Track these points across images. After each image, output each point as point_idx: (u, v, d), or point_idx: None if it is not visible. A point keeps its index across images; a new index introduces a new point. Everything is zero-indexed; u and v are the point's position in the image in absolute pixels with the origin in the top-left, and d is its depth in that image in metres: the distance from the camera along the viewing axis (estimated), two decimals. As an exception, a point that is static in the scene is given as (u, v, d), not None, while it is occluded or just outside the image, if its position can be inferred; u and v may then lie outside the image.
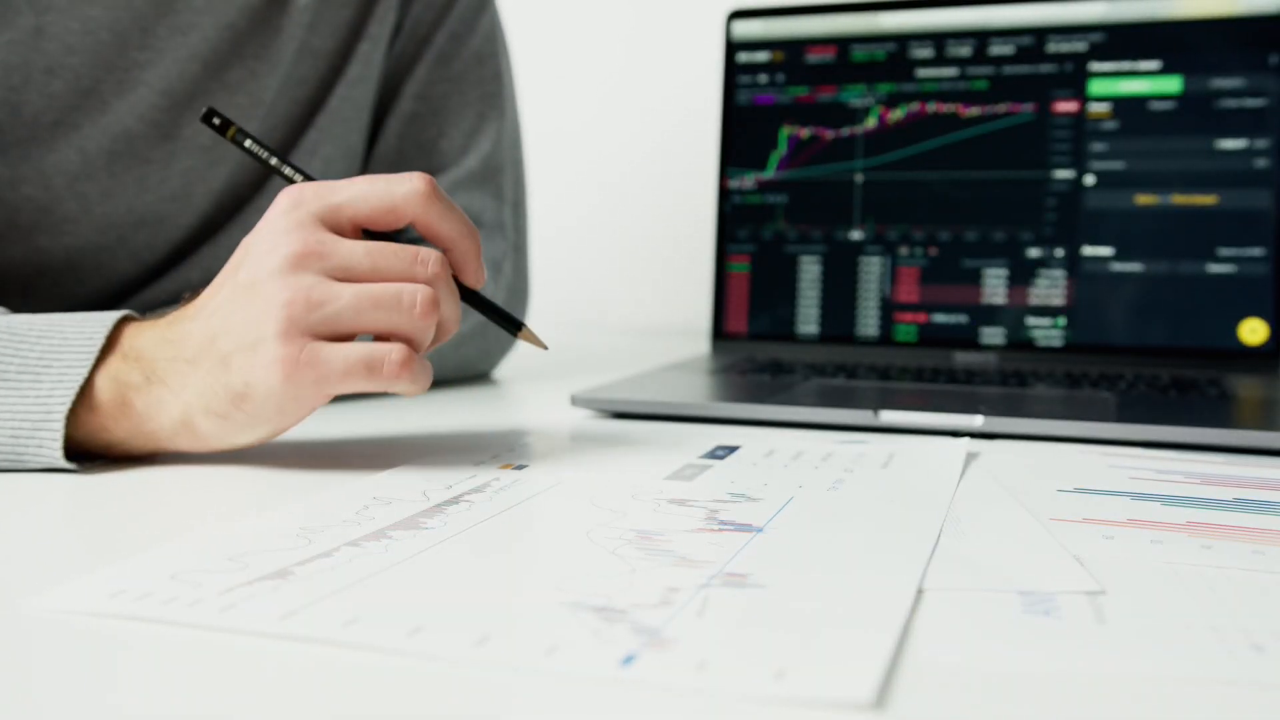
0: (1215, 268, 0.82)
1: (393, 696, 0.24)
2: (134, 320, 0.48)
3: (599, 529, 0.37)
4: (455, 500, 0.41)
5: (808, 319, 0.91)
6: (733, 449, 0.52)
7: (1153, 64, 0.85)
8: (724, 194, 0.95)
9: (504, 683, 0.25)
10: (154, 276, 0.72)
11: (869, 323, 0.90)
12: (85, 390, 0.45)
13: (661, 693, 0.24)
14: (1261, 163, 0.82)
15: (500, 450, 0.51)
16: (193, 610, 0.29)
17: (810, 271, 0.91)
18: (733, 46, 0.95)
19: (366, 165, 0.81)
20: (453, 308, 0.47)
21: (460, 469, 0.47)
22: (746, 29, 0.95)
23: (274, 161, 0.51)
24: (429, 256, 0.46)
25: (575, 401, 0.64)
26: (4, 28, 0.60)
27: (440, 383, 0.77)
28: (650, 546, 0.35)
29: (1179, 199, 0.83)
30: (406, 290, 0.45)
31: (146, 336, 0.47)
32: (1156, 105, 0.84)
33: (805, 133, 0.93)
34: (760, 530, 0.37)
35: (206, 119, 0.51)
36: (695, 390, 0.70)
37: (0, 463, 0.46)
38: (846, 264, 0.91)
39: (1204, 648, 0.27)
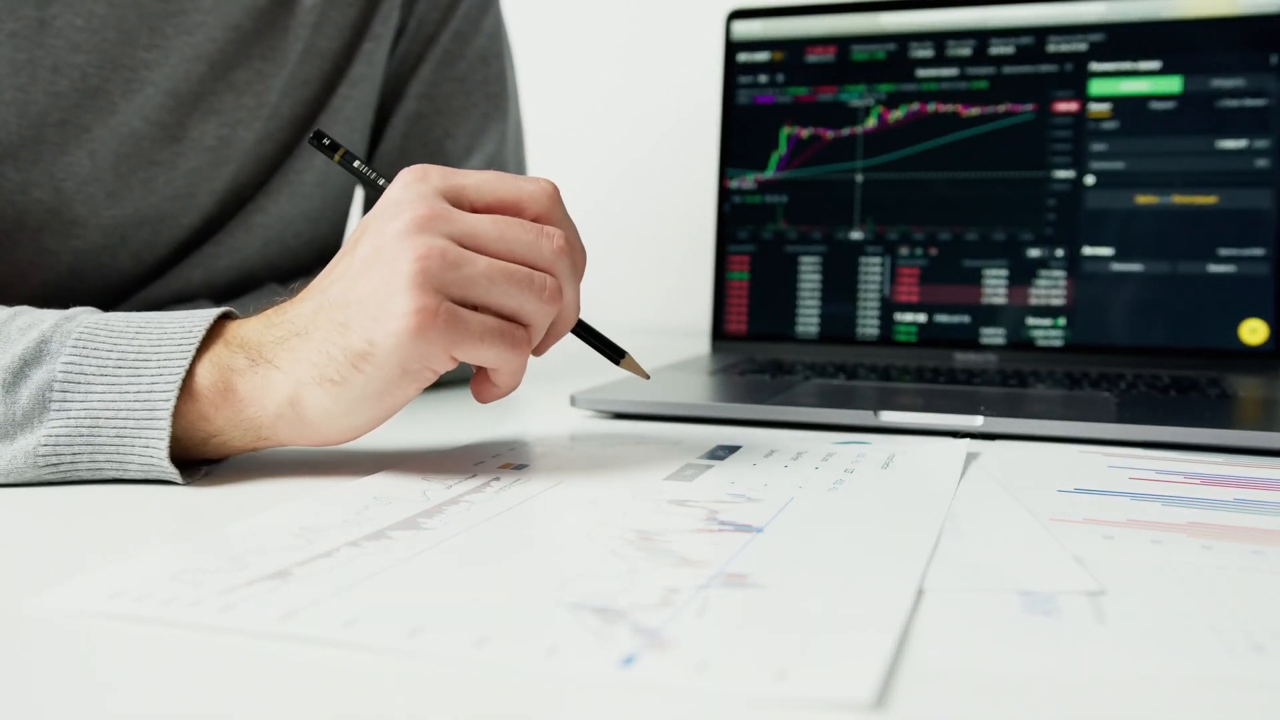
0: (1215, 268, 0.82)
1: (392, 697, 0.24)
2: (235, 316, 0.47)
3: (599, 529, 0.37)
4: (455, 500, 0.41)
5: (808, 319, 0.91)
6: (733, 449, 0.52)
7: (1153, 64, 0.85)
8: (724, 194, 0.95)
9: (504, 683, 0.25)
10: (154, 276, 0.72)
11: (869, 323, 0.90)
12: (186, 380, 0.43)
13: (662, 693, 0.24)
14: (1261, 163, 0.82)
15: (500, 450, 0.51)
16: (193, 610, 0.29)
17: (810, 272, 0.91)
18: (733, 46, 0.95)
19: (375, 165, 0.81)
20: (574, 292, 0.46)
21: (460, 469, 0.47)
22: (746, 29, 0.95)
23: (382, 183, 0.50)
24: (553, 231, 0.45)
25: (575, 402, 0.64)
26: (6, 18, 0.60)
27: (441, 383, 0.77)
28: (650, 547, 0.35)
29: (1179, 199, 0.83)
30: (538, 274, 0.44)
31: (251, 325, 0.45)
32: (1156, 105, 0.84)
33: (805, 133, 0.93)
34: (760, 531, 0.37)
35: (315, 140, 0.51)
36: (695, 390, 0.69)
37: (104, 467, 0.43)
38: (846, 264, 0.91)
39: (1204, 648, 0.27)
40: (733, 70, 0.95)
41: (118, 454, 0.43)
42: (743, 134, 0.95)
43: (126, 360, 0.44)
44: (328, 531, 0.36)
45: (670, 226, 1.34)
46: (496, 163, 0.81)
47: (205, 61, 0.67)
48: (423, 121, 0.80)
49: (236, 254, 0.73)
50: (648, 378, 0.53)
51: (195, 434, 0.44)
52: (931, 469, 0.48)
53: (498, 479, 0.45)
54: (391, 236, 0.42)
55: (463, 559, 0.34)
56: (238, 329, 0.45)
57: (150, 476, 0.44)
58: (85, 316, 0.46)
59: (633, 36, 1.36)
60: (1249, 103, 0.82)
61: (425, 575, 0.32)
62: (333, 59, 0.74)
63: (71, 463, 0.43)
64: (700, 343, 1.01)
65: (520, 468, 0.47)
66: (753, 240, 0.93)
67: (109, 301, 0.71)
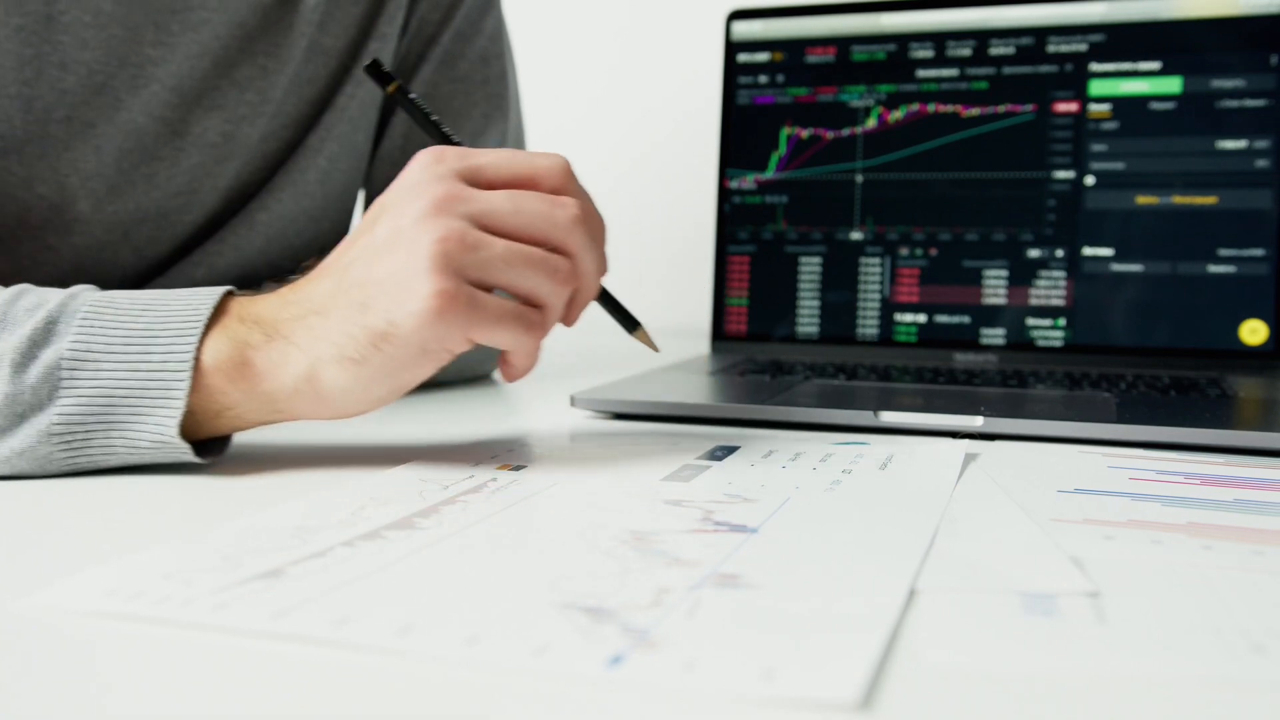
0: (1215, 268, 0.82)
1: (382, 696, 0.24)
2: (239, 295, 0.47)
3: (594, 529, 0.37)
4: (452, 501, 0.41)
5: (808, 319, 0.91)
6: (732, 449, 0.52)
7: (1153, 64, 0.85)
8: (724, 194, 0.94)
9: (492, 683, 0.25)
10: (156, 272, 0.72)
11: (869, 323, 0.90)
12: (199, 355, 0.44)
13: (649, 693, 0.24)
14: (1262, 163, 0.82)
15: (499, 450, 0.51)
16: (184, 610, 0.28)
17: (810, 272, 0.91)
18: (733, 47, 0.95)
19: (372, 164, 0.81)
20: (593, 259, 0.47)
21: (458, 469, 0.47)
22: (746, 29, 0.95)
23: (435, 118, 0.53)
24: (568, 201, 0.46)
25: (575, 402, 0.64)
26: (14, 11, 0.60)
27: (440, 383, 0.77)
28: (644, 547, 0.35)
29: (1179, 199, 0.83)
30: (554, 256, 0.45)
31: (265, 302, 0.45)
32: (1156, 105, 0.84)
33: (805, 133, 0.92)
34: (755, 531, 0.37)
35: (372, 69, 0.53)
36: (695, 391, 0.69)
37: (116, 445, 0.43)
38: (846, 264, 0.90)
39: (1204, 648, 0.27)
40: (733, 70, 0.95)
41: (132, 429, 0.43)
42: (743, 134, 0.94)
43: (134, 337, 0.44)
44: (322, 531, 0.36)
45: (670, 226, 1.34)
46: None
47: (210, 58, 0.67)
48: None
49: (239, 251, 0.73)
50: (657, 350, 0.55)
51: (210, 406, 0.44)
52: (929, 470, 0.47)
53: (495, 479, 0.45)
54: (411, 218, 0.43)
55: (456, 559, 0.34)
56: (251, 305, 0.45)
57: (160, 458, 0.44)
58: (88, 294, 0.46)
59: (633, 37, 1.36)
60: (1249, 103, 0.82)
61: (418, 575, 0.32)
62: (338, 57, 0.74)
63: (85, 440, 0.44)
64: (700, 343, 1.01)
65: (519, 468, 0.47)
66: (753, 240, 0.93)
67: None
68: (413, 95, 0.52)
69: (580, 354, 0.97)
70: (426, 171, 0.45)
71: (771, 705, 0.23)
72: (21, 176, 0.63)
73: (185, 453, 0.44)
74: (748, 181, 0.94)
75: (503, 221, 0.44)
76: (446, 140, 0.52)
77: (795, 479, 0.45)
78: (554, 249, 0.46)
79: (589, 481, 0.45)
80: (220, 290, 0.46)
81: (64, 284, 0.68)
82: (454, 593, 0.30)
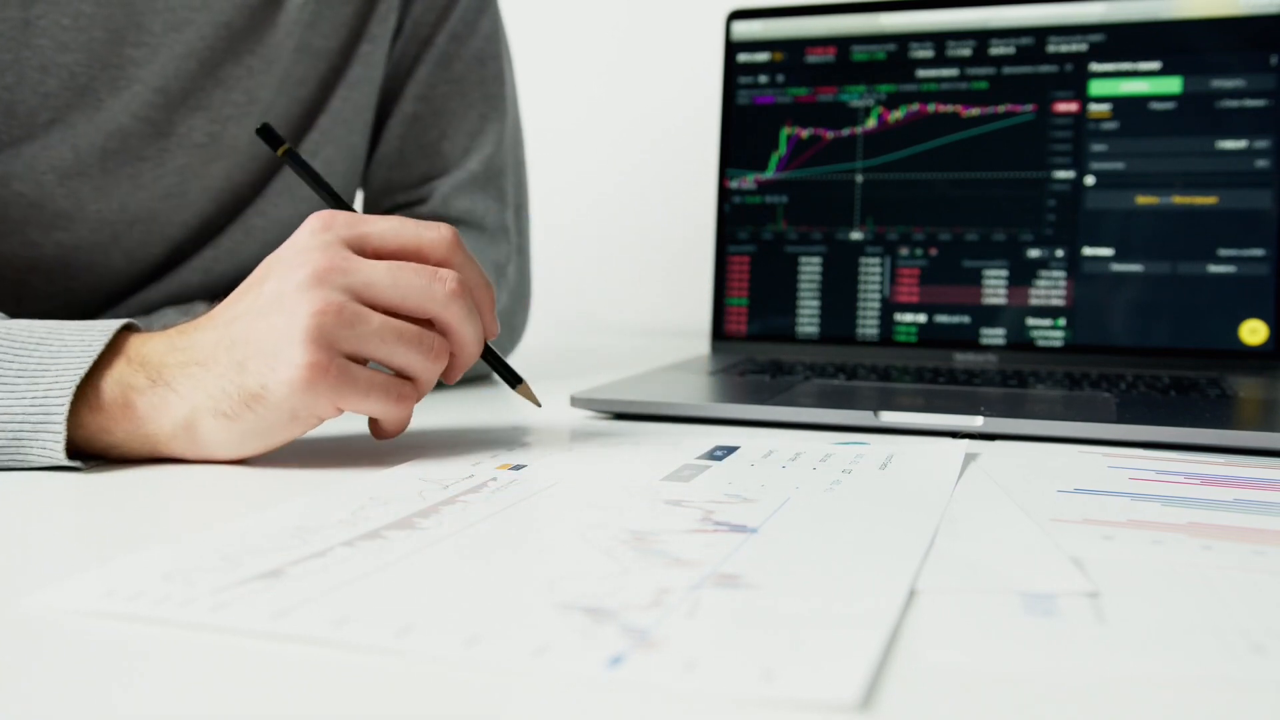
0: (1215, 268, 0.82)
1: (382, 696, 0.24)
2: (137, 330, 0.49)
3: (594, 529, 0.37)
4: (452, 500, 0.41)
5: (808, 319, 0.91)
6: (732, 450, 0.52)
7: (1153, 64, 0.85)
8: (724, 194, 0.94)
9: (492, 683, 0.25)
10: (151, 278, 0.72)
11: (869, 323, 0.89)
12: (89, 392, 0.46)
13: (648, 694, 0.24)
14: (1262, 163, 0.82)
15: (499, 450, 0.51)
16: (184, 610, 0.28)
17: (810, 272, 0.91)
18: (733, 47, 0.95)
19: (368, 167, 0.81)
20: (473, 329, 0.48)
21: (458, 469, 0.47)
22: (746, 29, 0.95)
23: (324, 180, 0.54)
24: (447, 275, 0.47)
25: (575, 402, 0.64)
26: None
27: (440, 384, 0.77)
28: (644, 547, 0.35)
29: (1179, 199, 0.83)
30: (428, 334, 0.47)
31: (154, 344, 0.47)
32: (1156, 105, 0.84)
33: (805, 133, 0.92)
34: (755, 531, 0.37)
35: (261, 133, 0.54)
36: (695, 391, 0.69)
37: (3, 461, 0.46)
38: (846, 264, 0.90)
39: (1204, 648, 0.27)
40: (733, 70, 0.95)
41: (18, 454, 0.46)
42: (743, 134, 0.94)
43: (27, 371, 0.46)
44: (322, 531, 0.36)
45: (670, 227, 1.34)
46: (494, 164, 0.81)
47: (195, 59, 0.67)
48: (419, 123, 0.79)
49: (235, 257, 0.73)
50: (539, 405, 0.57)
51: (96, 443, 0.47)
52: (929, 470, 0.47)
53: (495, 479, 0.45)
54: (294, 285, 0.45)
55: (456, 559, 0.34)
56: (140, 346, 0.47)
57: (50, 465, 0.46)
58: None
59: (632, 37, 1.36)
60: (1249, 103, 0.82)
61: (417, 575, 0.32)
62: (328, 59, 0.74)
63: None
64: (700, 343, 1.01)
65: (519, 468, 0.47)
66: (753, 240, 0.93)
67: (106, 302, 0.71)
68: (302, 158, 0.54)
69: (580, 354, 0.97)
70: (314, 238, 0.46)
71: (771, 705, 0.23)
72: (0, 173, 0.63)
73: (75, 465, 0.46)
74: (748, 181, 0.94)
75: (381, 294, 0.46)
76: (338, 203, 0.54)
77: (795, 479, 0.45)
78: (431, 321, 0.47)
79: (589, 481, 0.45)
80: (113, 328, 0.47)
81: (55, 284, 0.68)
82: (454, 593, 0.30)
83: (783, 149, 0.93)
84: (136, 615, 0.28)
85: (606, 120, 1.38)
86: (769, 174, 0.93)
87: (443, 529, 0.37)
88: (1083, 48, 0.86)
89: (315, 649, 0.26)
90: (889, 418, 0.59)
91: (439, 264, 0.48)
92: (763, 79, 0.94)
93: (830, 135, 0.92)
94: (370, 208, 0.84)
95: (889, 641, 0.27)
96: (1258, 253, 0.81)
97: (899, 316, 0.89)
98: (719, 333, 0.94)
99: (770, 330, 0.92)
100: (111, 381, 0.46)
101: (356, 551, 0.34)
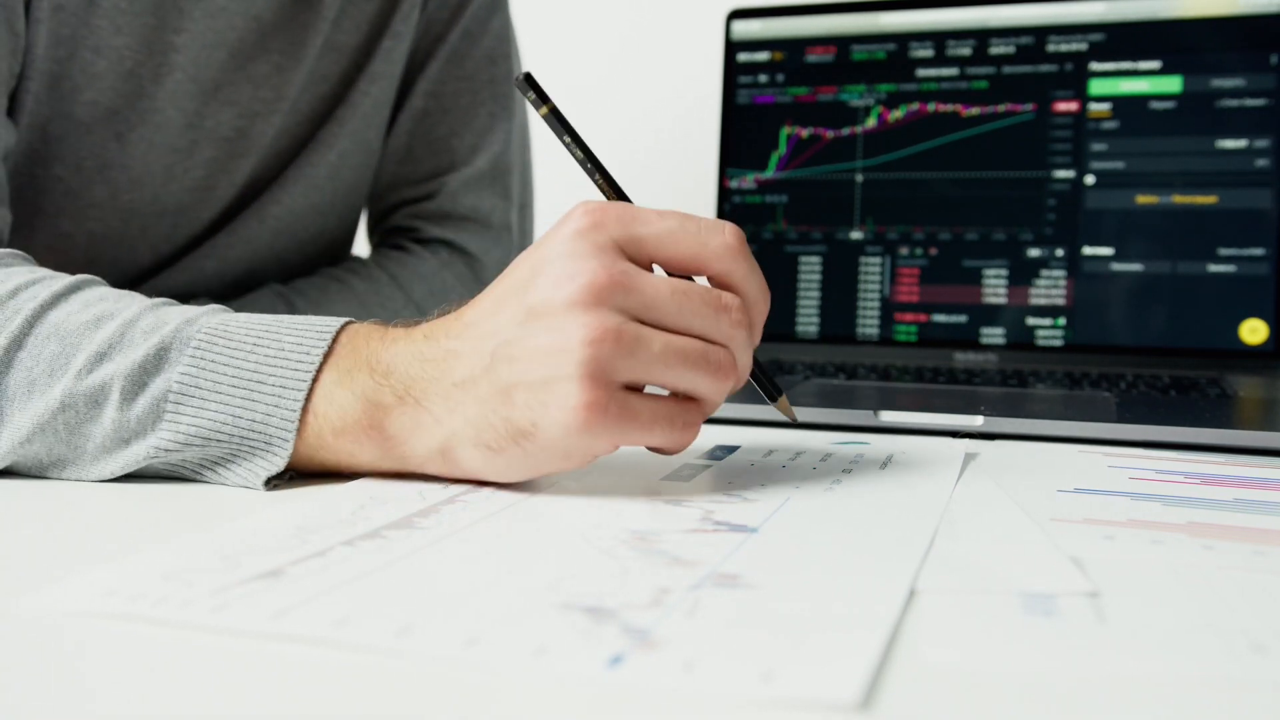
0: (1215, 267, 0.82)
1: (382, 696, 0.24)
2: (356, 325, 0.44)
3: (594, 529, 0.37)
4: (451, 500, 0.41)
5: (808, 319, 0.91)
6: (732, 449, 0.52)
7: (1153, 64, 0.85)
8: (724, 194, 0.94)
9: (492, 683, 0.25)
10: (166, 265, 0.72)
11: (869, 323, 0.89)
12: (316, 407, 0.42)
13: (648, 694, 0.24)
14: (1262, 163, 0.82)
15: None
16: (184, 610, 0.28)
17: (810, 271, 0.91)
18: (733, 46, 0.95)
19: (379, 161, 0.81)
20: (747, 357, 0.43)
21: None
22: (746, 29, 0.95)
23: (589, 166, 0.47)
24: (732, 303, 0.41)
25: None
26: None
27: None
28: (644, 547, 0.35)
29: (1179, 199, 0.83)
30: (713, 350, 0.41)
31: (397, 352, 0.42)
32: (1156, 105, 0.84)
33: (805, 133, 0.92)
34: (755, 531, 0.37)
35: (523, 84, 0.47)
36: (694, 390, 0.69)
37: (205, 475, 0.44)
38: (846, 264, 0.90)
39: (1205, 648, 0.27)
40: (732, 70, 0.95)
41: (224, 469, 0.43)
42: (743, 134, 0.94)
43: (242, 377, 0.42)
44: (322, 531, 0.36)
45: (670, 227, 1.33)
46: (502, 162, 0.81)
47: (226, 49, 0.67)
48: (429, 119, 0.80)
49: (248, 245, 0.73)
50: (795, 421, 0.54)
51: (328, 459, 0.43)
52: (929, 470, 0.47)
53: (494, 479, 0.45)
54: (564, 301, 0.39)
55: (456, 559, 0.34)
56: (382, 350, 0.43)
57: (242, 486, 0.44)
58: (208, 319, 0.44)
59: (632, 36, 1.36)
60: (1249, 103, 0.82)
61: (417, 575, 0.32)
62: (351, 55, 0.74)
63: (177, 464, 0.44)
64: (700, 343, 1.01)
65: (517, 467, 0.47)
66: (753, 240, 0.93)
67: (121, 287, 0.71)
68: (568, 122, 0.47)
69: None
70: (583, 241, 0.40)
71: (771, 705, 0.23)
72: (42, 155, 0.63)
73: (259, 488, 0.43)
74: (748, 181, 0.94)
75: (662, 320, 0.40)
76: (612, 187, 0.46)
77: (795, 479, 0.45)
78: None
79: (589, 481, 0.45)
80: (331, 330, 0.43)
81: (74, 271, 0.67)
82: (454, 593, 0.30)
83: (783, 148, 0.93)
84: (137, 616, 0.28)
85: (606, 119, 1.38)
86: (769, 173, 0.93)
87: (443, 529, 0.37)
88: (1083, 47, 0.86)
89: (315, 649, 0.26)
90: (889, 417, 0.59)
91: (720, 276, 0.42)
92: (763, 78, 0.94)
93: (830, 135, 0.92)
94: (376, 201, 0.84)
95: (889, 642, 0.27)
96: (1258, 252, 0.81)
97: (899, 316, 0.89)
98: (719, 332, 0.93)
99: (770, 330, 0.92)
100: (350, 396, 0.42)
101: (356, 551, 0.34)
